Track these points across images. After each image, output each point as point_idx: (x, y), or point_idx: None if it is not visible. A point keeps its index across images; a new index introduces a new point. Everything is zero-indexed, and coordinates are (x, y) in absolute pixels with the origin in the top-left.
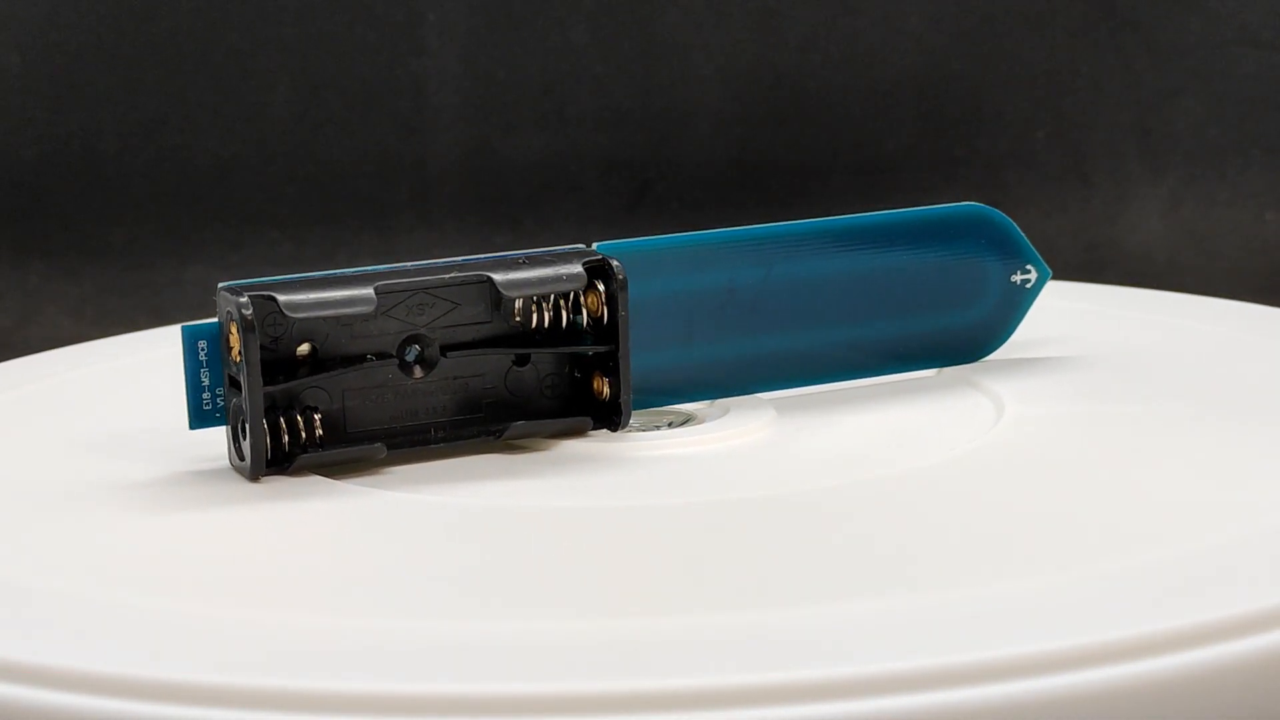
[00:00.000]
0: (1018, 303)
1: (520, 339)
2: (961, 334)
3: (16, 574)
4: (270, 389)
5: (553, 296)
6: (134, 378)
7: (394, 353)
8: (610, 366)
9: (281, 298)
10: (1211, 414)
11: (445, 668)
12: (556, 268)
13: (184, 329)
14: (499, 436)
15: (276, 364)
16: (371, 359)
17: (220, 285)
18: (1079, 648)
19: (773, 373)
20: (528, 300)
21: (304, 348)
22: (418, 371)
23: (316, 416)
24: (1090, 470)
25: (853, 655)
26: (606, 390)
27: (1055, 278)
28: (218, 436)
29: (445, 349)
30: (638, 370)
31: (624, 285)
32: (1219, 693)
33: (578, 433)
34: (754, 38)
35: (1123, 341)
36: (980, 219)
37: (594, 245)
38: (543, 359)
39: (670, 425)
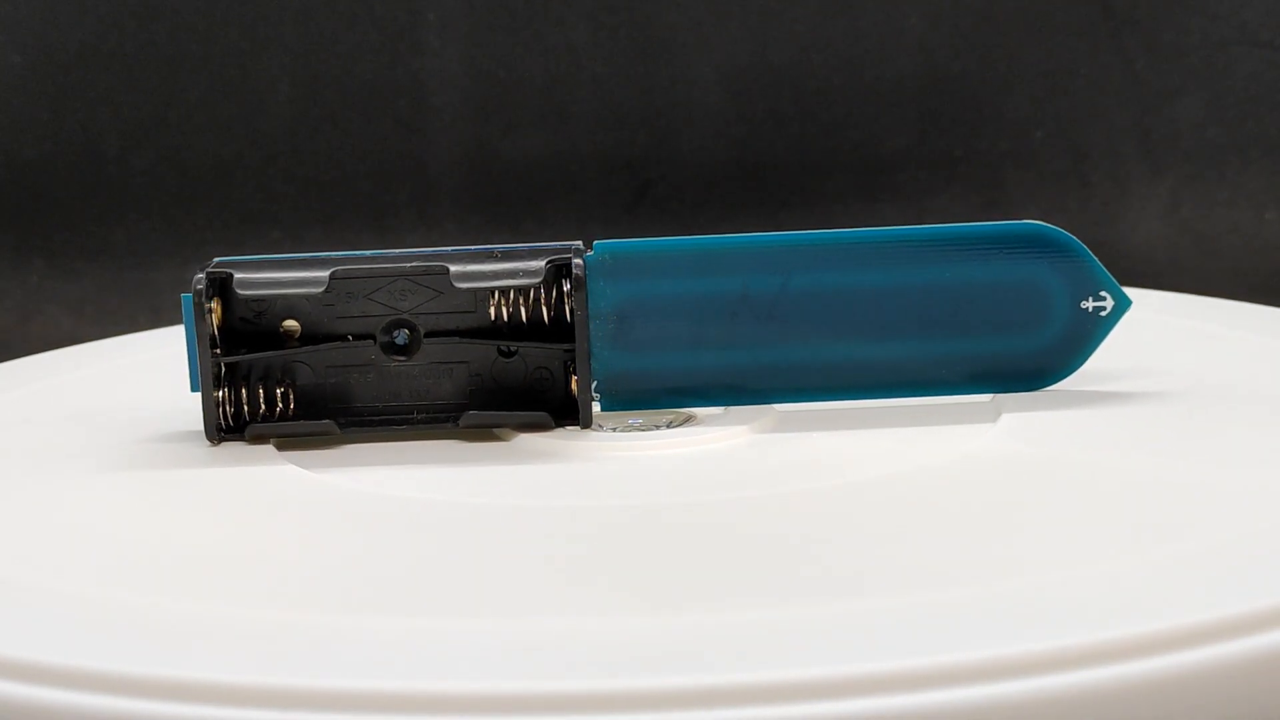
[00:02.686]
0: (1090, 331)
1: (506, 330)
2: (1020, 360)
3: None
4: (234, 359)
5: (531, 292)
6: (138, 372)
7: (376, 335)
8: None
9: (238, 275)
10: (1209, 415)
11: (395, 664)
12: (518, 263)
13: (184, 298)
14: (457, 424)
15: (258, 336)
16: (350, 339)
17: (215, 259)
18: (1075, 648)
19: (796, 384)
20: (503, 293)
21: (290, 324)
22: (396, 354)
23: (279, 390)
24: (1086, 470)
25: (847, 655)
26: (576, 387)
27: None
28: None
29: (427, 335)
30: (643, 370)
31: (581, 284)
32: (1218, 693)
33: (541, 427)
34: (754, 38)
35: (1121, 342)
36: (1042, 240)
37: (594, 244)
38: (531, 352)
39: (670, 425)
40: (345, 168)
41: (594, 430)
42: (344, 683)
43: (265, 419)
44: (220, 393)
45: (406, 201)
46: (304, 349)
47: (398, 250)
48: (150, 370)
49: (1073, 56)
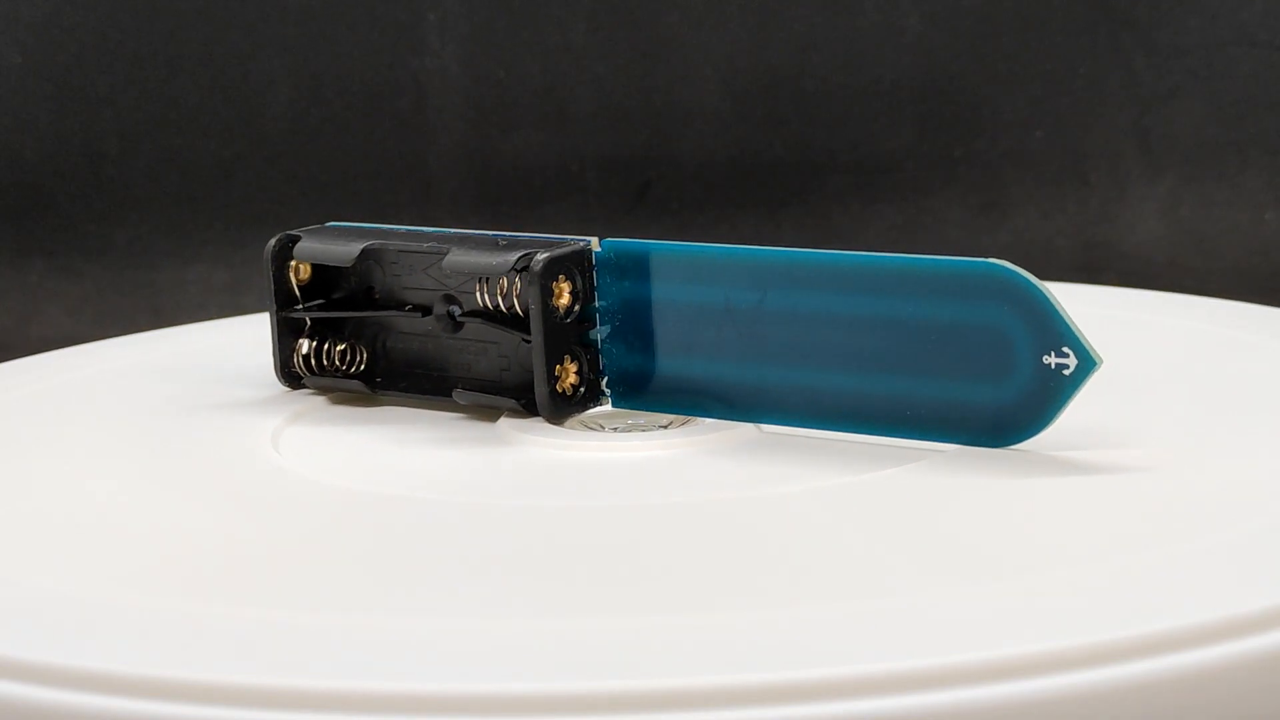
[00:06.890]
0: (1054, 390)
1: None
2: (981, 411)
3: None
4: (304, 315)
5: (505, 282)
6: (139, 371)
7: (429, 307)
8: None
9: (301, 242)
10: (1208, 415)
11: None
12: (496, 255)
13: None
14: (455, 398)
15: (349, 298)
16: (408, 309)
17: (328, 223)
18: (1075, 648)
19: (773, 405)
20: (484, 280)
21: (373, 291)
22: (444, 328)
23: (339, 347)
24: (1083, 466)
25: (843, 655)
26: (572, 379)
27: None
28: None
29: (468, 314)
30: (647, 370)
31: (535, 280)
32: (1217, 693)
33: (516, 413)
34: (754, 38)
35: (1120, 343)
36: (1000, 283)
37: (601, 242)
38: None
39: (668, 427)
40: (345, 168)
41: (592, 429)
42: (339, 683)
43: (332, 373)
44: (304, 342)
45: (407, 201)
46: (347, 313)
47: (447, 230)
48: (150, 369)
49: (1072, 56)
